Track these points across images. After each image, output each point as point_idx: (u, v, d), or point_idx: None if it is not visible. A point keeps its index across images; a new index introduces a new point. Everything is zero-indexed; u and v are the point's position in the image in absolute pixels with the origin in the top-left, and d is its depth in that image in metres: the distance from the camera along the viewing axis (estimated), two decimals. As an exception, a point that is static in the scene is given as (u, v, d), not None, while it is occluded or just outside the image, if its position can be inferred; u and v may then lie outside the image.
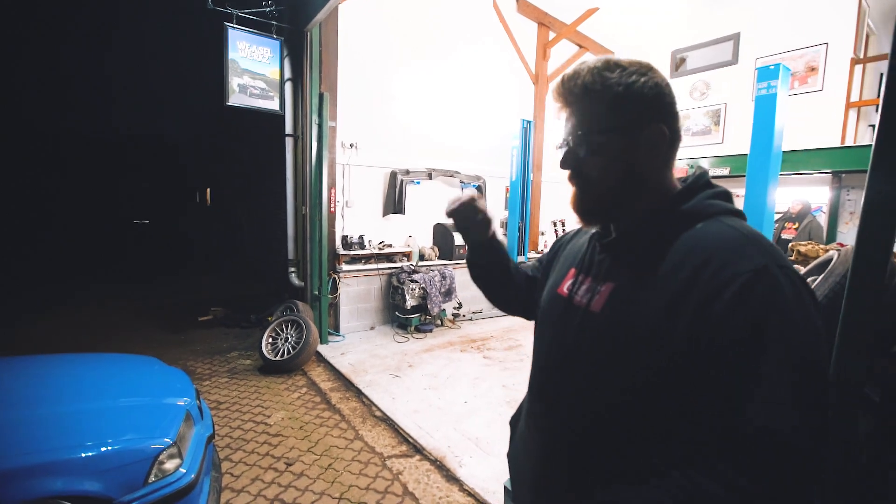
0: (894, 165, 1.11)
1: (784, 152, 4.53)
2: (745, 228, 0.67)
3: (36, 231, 14.09)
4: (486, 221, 1.03)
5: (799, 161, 4.95)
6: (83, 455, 1.54)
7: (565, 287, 0.86)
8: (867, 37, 5.38)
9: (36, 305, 6.65)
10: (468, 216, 1.02)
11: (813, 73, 5.01)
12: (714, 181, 0.77)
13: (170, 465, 1.72)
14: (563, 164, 0.78)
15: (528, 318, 1.10)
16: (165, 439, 1.76)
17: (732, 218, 0.70)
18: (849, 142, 4.96)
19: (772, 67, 3.52)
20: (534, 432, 0.87)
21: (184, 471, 1.76)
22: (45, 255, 12.07)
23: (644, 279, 0.70)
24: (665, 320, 0.64)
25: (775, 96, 3.52)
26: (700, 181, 0.75)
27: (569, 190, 0.80)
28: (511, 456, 1.02)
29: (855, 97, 4.95)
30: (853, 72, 4.82)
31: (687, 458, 0.62)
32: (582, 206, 0.78)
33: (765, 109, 3.61)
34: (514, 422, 1.04)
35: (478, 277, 1.14)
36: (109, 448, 1.61)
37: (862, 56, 5.11)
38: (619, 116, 0.71)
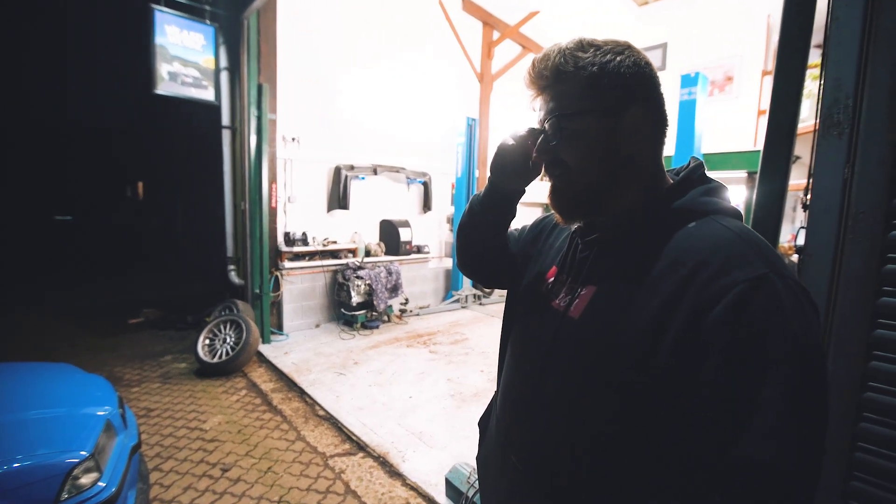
0: (775, 172, 1.27)
1: (706, 154, 4.94)
2: (742, 230, 0.59)
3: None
4: (537, 170, 0.80)
5: (718, 162, 5.40)
6: (-18, 475, 1.42)
7: (544, 287, 0.79)
8: (775, 51, 5.94)
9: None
10: (523, 158, 0.78)
11: (730, 82, 5.47)
12: (709, 175, 0.70)
13: (86, 479, 1.62)
14: (538, 153, 0.71)
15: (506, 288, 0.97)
16: (81, 452, 1.65)
17: (727, 217, 0.63)
18: (760, 146, 5.46)
19: (692, 75, 3.82)
20: (505, 448, 0.79)
21: (103, 485, 1.66)
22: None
23: (629, 284, 0.63)
24: (650, 332, 0.57)
25: (695, 102, 3.83)
26: (695, 174, 0.68)
27: (545, 184, 0.73)
28: (481, 462, 0.94)
29: (765, 105, 5.45)
30: (763, 82, 5.31)
31: (676, 490, 0.55)
32: (561, 199, 0.71)
33: (686, 114, 3.91)
34: (484, 423, 0.97)
35: (474, 241, 0.93)
36: (14, 465, 1.49)
37: (770, 68, 5.63)
38: (595, 98, 0.64)
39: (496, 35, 7.26)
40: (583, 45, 0.65)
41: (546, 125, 0.69)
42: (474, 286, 6.73)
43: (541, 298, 0.78)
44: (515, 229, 1.00)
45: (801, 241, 1.10)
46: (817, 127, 1.03)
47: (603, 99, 0.64)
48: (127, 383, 3.76)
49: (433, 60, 6.55)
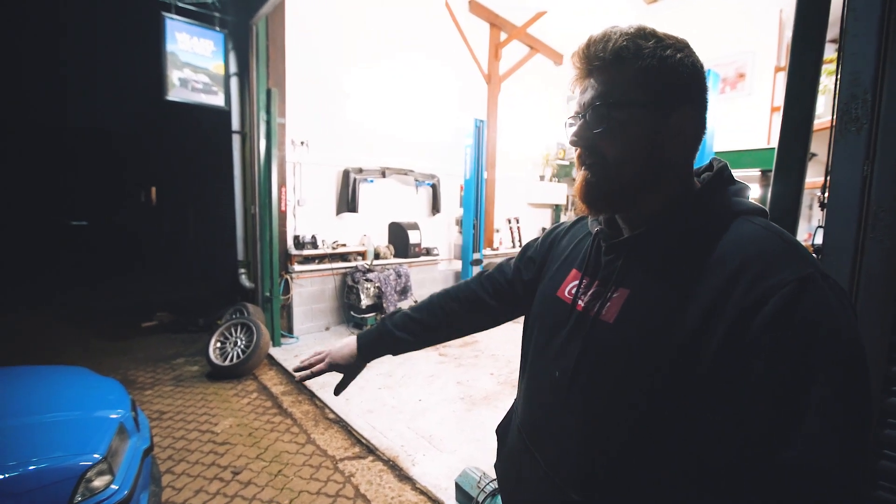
0: (790, 170, 1.24)
1: (718, 152, 4.87)
2: (778, 230, 0.58)
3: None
4: (349, 371, 1.09)
5: (731, 160, 5.28)
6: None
7: (566, 291, 0.77)
8: (788, 47, 5.85)
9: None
10: (343, 371, 1.09)
11: (742, 79, 5.38)
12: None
13: (99, 482, 1.64)
14: (576, 141, 0.68)
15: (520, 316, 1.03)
16: (94, 455, 1.67)
17: (761, 217, 0.62)
18: (774, 143, 5.37)
19: (703, 73, 3.76)
20: (533, 454, 0.77)
21: (115, 487, 1.68)
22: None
23: (665, 287, 0.61)
24: (693, 335, 0.55)
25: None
26: (724, 174, 0.67)
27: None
28: (501, 470, 0.93)
29: (778, 102, 5.37)
30: (776, 79, 5.22)
31: (717, 494, 0.54)
32: (593, 192, 0.67)
33: (697, 113, 3.85)
34: (503, 432, 0.95)
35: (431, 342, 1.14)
36: (29, 469, 1.51)
37: (783, 64, 5.54)
38: (649, 91, 0.62)
39: (503, 36, 7.25)
40: (645, 34, 0.63)
41: (589, 110, 0.65)
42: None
43: (563, 304, 0.77)
44: (525, 254, 1.00)
45: (818, 240, 1.07)
46: (834, 123, 1.00)
47: (657, 94, 0.62)
48: (140, 386, 3.81)
49: (440, 62, 6.55)
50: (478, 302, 1.02)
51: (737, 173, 0.68)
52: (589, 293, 0.72)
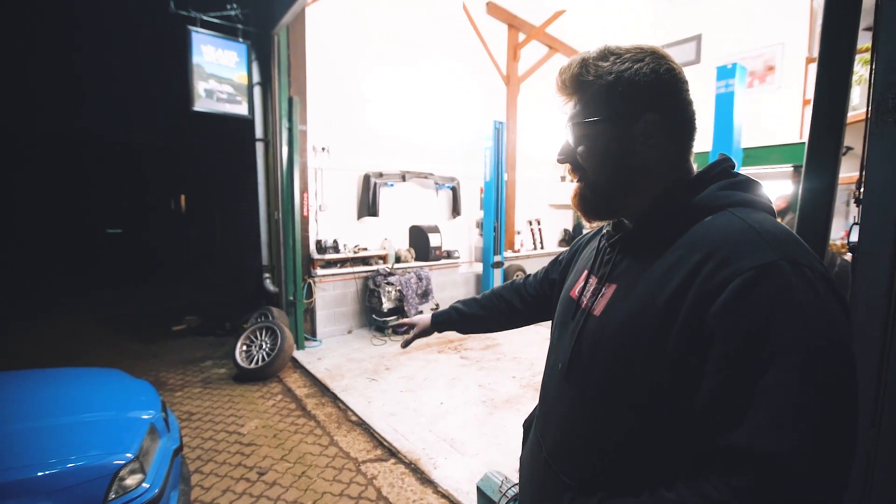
0: (822, 165, 1.18)
1: (747, 148, 4.71)
2: (757, 220, 0.58)
3: (4, 241, 13.54)
4: (422, 328, 1.29)
5: (761, 156, 5.13)
6: (38, 474, 1.51)
7: (576, 290, 0.83)
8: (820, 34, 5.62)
9: (5, 318, 6.40)
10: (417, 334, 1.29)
11: (771, 71, 5.20)
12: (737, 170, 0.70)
13: (131, 480, 1.69)
14: (562, 159, 0.75)
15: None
16: (127, 454, 1.72)
17: (746, 209, 0.62)
18: (806, 137, 5.16)
19: (729, 66, 3.65)
20: (540, 443, 0.83)
21: (147, 486, 1.73)
22: (14, 267, 11.61)
23: (643, 278, 0.65)
24: (660, 326, 0.58)
25: (733, 94, 3.65)
26: (714, 170, 0.68)
27: (573, 186, 0.77)
28: (522, 461, 0.98)
29: (811, 94, 5.16)
30: (808, 70, 5.02)
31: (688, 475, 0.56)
32: (582, 202, 0.74)
33: (724, 107, 3.74)
34: (528, 426, 1.00)
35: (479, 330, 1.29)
36: (67, 466, 1.58)
37: (816, 55, 5.32)
38: (608, 106, 0.67)
39: (522, 37, 7.22)
40: (605, 54, 0.68)
41: (567, 130, 0.73)
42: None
43: (573, 302, 0.82)
44: (557, 259, 1.14)
45: (854, 237, 1.02)
46: (869, 115, 0.95)
47: (616, 107, 0.67)
48: (171, 388, 3.93)
49: (458, 65, 6.56)
50: (525, 300, 1.19)
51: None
52: (590, 290, 0.77)
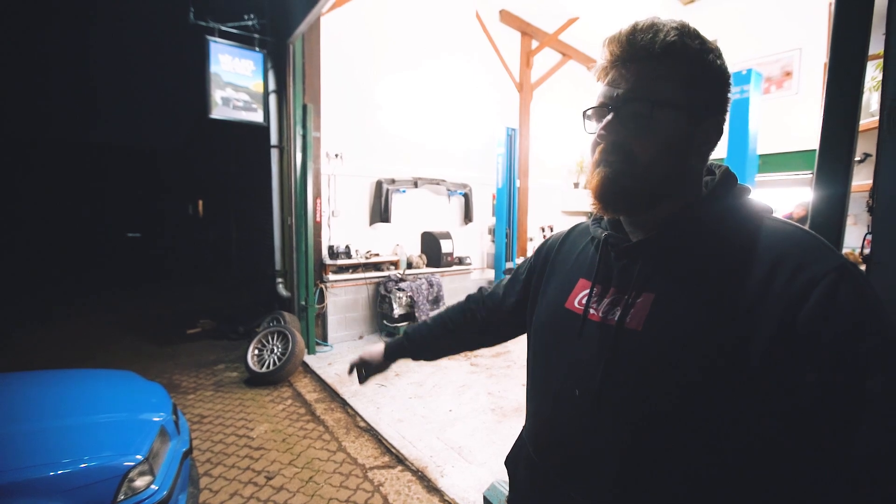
0: (834, 172, 1.15)
1: (763, 155, 4.62)
2: (801, 227, 0.59)
3: (27, 244, 13.99)
4: (373, 366, 1.14)
5: (778, 163, 5.03)
6: (49, 474, 1.54)
7: (576, 301, 0.73)
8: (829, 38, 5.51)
9: (26, 318, 6.59)
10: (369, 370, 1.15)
11: (788, 77, 5.10)
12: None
13: (140, 482, 1.72)
14: (603, 136, 0.63)
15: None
16: (137, 456, 1.75)
17: (777, 217, 0.62)
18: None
19: (744, 72, 3.59)
20: (560, 481, 0.72)
21: (155, 488, 1.76)
22: (35, 268, 11.98)
23: (695, 288, 0.59)
24: (736, 334, 0.54)
25: (748, 100, 3.59)
26: (731, 177, 0.66)
27: (595, 172, 0.65)
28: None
29: (831, 100, 5.05)
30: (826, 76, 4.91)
31: (785, 494, 0.52)
32: (614, 189, 0.63)
33: (739, 114, 3.68)
34: (512, 464, 0.91)
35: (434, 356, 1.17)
36: (79, 466, 1.61)
37: (836, 60, 5.22)
38: (693, 95, 0.59)
39: (535, 44, 7.22)
40: (690, 32, 0.59)
41: (622, 104, 0.61)
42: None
43: (573, 315, 0.72)
44: (514, 274, 1.00)
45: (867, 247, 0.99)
46: (882, 121, 0.93)
47: (699, 99, 0.60)
48: (184, 391, 3.99)
49: (471, 72, 6.60)
50: (477, 320, 1.07)
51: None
52: (605, 301, 0.68)
